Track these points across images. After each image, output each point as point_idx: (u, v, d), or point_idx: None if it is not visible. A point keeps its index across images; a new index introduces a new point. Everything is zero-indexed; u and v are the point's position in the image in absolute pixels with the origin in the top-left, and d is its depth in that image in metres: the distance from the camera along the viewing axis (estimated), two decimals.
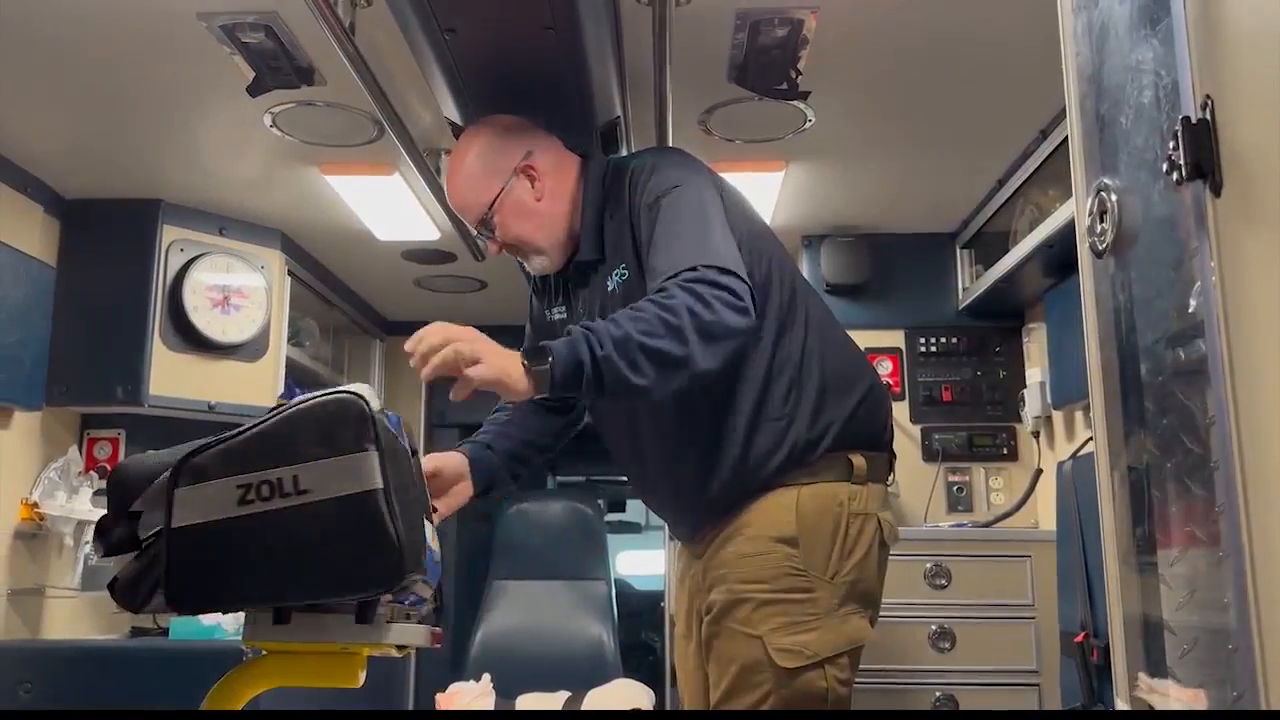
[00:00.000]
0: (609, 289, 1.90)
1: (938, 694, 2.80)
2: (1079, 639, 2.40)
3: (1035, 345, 3.13)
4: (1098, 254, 1.06)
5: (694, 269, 1.66)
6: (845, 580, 1.82)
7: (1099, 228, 1.06)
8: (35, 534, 2.86)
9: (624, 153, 2.45)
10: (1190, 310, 0.91)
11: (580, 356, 1.58)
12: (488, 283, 4.08)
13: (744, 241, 1.81)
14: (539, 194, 1.93)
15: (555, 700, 3.03)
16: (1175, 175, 0.90)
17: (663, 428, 1.92)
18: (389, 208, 3.18)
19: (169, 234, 3.14)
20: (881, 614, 2.71)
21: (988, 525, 3.17)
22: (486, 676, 2.82)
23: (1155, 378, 1.02)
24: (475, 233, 2.01)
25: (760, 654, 1.77)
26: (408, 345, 1.61)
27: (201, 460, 1.31)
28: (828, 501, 1.83)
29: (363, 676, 1.46)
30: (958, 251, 3.48)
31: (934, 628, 2.83)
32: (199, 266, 3.18)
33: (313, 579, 1.30)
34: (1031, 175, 2.83)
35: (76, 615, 2.95)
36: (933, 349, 3.46)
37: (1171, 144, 0.90)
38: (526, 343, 2.12)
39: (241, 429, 1.36)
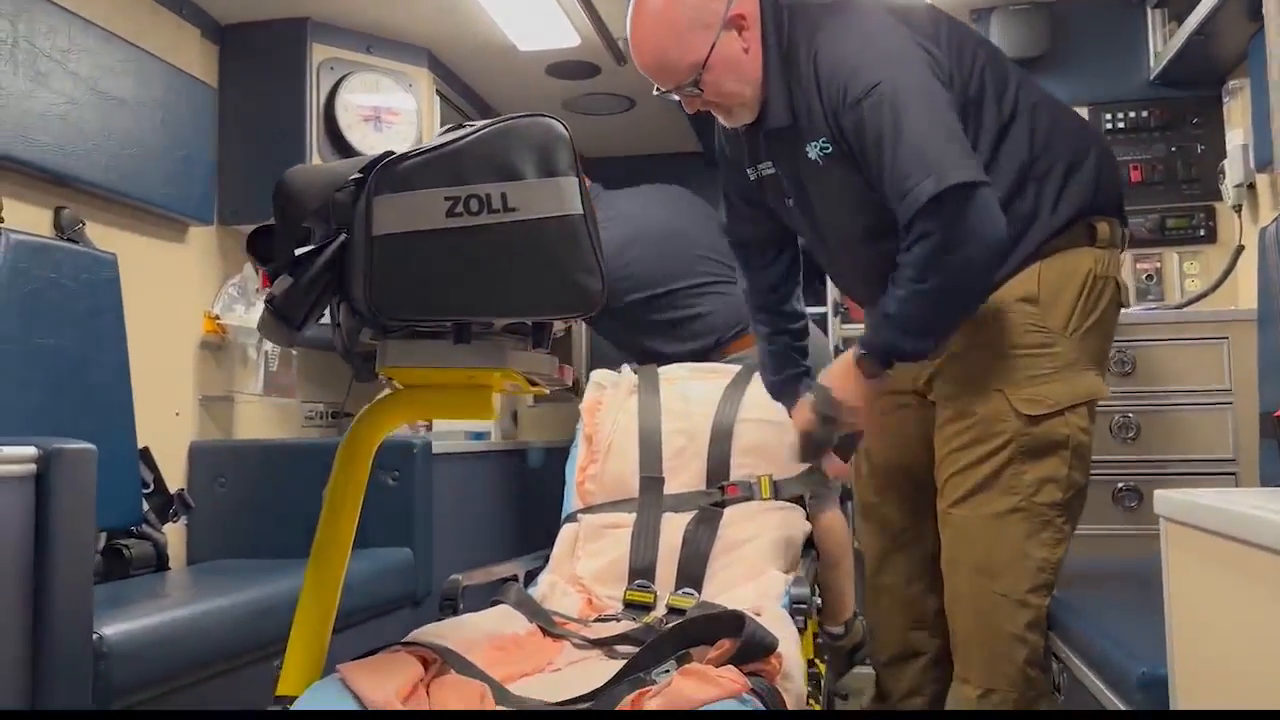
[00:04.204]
0: (810, 157, 1.84)
1: (1120, 485, 2.64)
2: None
3: (1238, 105, 2.78)
4: None
5: (926, 206, 1.64)
6: (1083, 337, 1.88)
7: None
8: (220, 345, 3.03)
9: None
10: None
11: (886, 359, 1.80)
12: (636, 100, 3.97)
13: (955, 78, 1.80)
14: (746, 43, 1.83)
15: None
16: None
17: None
18: (527, 9, 3.11)
19: (318, 53, 3.16)
20: None
21: (1179, 308, 2.91)
22: (626, 367, 2.54)
23: None
24: (665, 92, 1.87)
25: (1003, 405, 1.85)
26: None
27: (404, 169, 1.27)
28: (1072, 266, 1.88)
29: (498, 406, 1.46)
30: (1148, 12, 3.11)
31: (1116, 418, 2.64)
32: (348, 86, 3.20)
33: (520, 296, 1.30)
34: None
35: (262, 417, 3.14)
36: (1120, 125, 3.14)
37: None
38: (726, 211, 2.18)
39: (440, 142, 1.31)
